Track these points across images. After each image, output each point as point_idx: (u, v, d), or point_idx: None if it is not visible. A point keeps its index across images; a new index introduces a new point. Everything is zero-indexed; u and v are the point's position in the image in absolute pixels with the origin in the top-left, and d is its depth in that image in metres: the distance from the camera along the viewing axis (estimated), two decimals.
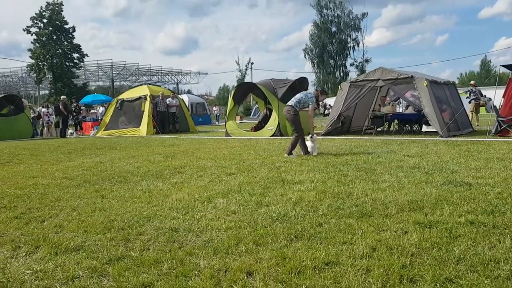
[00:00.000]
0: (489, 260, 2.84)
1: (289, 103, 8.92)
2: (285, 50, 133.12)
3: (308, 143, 8.73)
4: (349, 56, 62.72)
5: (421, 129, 14.80)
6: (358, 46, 62.19)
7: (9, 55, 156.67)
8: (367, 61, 61.78)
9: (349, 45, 62.11)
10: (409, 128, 14.94)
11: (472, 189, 4.95)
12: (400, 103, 20.89)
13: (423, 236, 3.34)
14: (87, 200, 5.18)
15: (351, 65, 62.82)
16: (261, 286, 2.63)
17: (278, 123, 14.84)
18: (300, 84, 16.53)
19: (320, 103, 44.35)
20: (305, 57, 63.56)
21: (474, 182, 5.38)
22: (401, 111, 17.66)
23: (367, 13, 61.82)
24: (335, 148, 9.96)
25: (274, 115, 15.21)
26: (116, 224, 4.00)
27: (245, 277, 2.75)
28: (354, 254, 3.03)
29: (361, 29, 61.57)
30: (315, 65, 62.84)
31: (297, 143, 8.66)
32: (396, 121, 15.51)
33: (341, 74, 61.61)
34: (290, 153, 8.55)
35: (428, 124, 13.56)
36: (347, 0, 60.24)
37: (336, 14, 61.27)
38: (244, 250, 3.20)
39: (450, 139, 11.44)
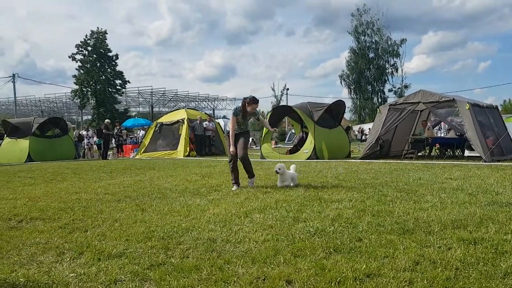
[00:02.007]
0: None
1: None
2: (322, 77, 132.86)
3: (279, 179, 7.47)
4: (387, 82, 62.00)
5: (463, 153, 14.38)
6: (396, 72, 61.39)
7: (55, 81, 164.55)
8: (406, 87, 60.59)
9: (387, 71, 61.37)
10: (451, 152, 14.54)
11: None
12: (441, 128, 20.44)
13: (468, 252, 3.23)
14: (128, 213, 5.31)
15: (390, 90, 61.88)
16: None
17: (314, 146, 14.77)
18: (337, 107, 16.47)
19: (355, 128, 43.79)
20: (341, 83, 63.33)
21: None
22: (442, 135, 17.24)
23: (406, 39, 61.14)
24: (374, 171, 9.80)
25: (310, 138, 15.16)
26: (156, 234, 4.08)
27: (285, 285, 2.73)
28: (396, 267, 2.96)
29: (399, 55, 60.85)
30: (352, 91, 62.40)
31: (247, 166, 7.87)
32: (437, 145, 15.15)
33: (379, 99, 60.73)
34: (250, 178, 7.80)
35: (470, 148, 13.18)
36: (385, 26, 60.03)
37: (374, 40, 60.91)
38: (282, 261, 3.18)
39: (494, 163, 11.06)
